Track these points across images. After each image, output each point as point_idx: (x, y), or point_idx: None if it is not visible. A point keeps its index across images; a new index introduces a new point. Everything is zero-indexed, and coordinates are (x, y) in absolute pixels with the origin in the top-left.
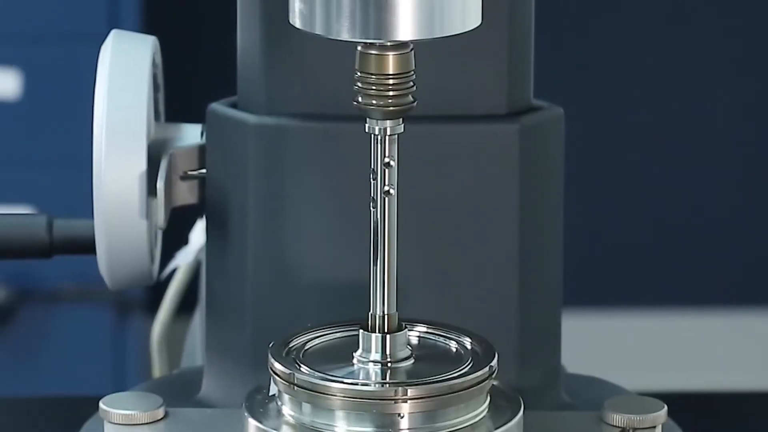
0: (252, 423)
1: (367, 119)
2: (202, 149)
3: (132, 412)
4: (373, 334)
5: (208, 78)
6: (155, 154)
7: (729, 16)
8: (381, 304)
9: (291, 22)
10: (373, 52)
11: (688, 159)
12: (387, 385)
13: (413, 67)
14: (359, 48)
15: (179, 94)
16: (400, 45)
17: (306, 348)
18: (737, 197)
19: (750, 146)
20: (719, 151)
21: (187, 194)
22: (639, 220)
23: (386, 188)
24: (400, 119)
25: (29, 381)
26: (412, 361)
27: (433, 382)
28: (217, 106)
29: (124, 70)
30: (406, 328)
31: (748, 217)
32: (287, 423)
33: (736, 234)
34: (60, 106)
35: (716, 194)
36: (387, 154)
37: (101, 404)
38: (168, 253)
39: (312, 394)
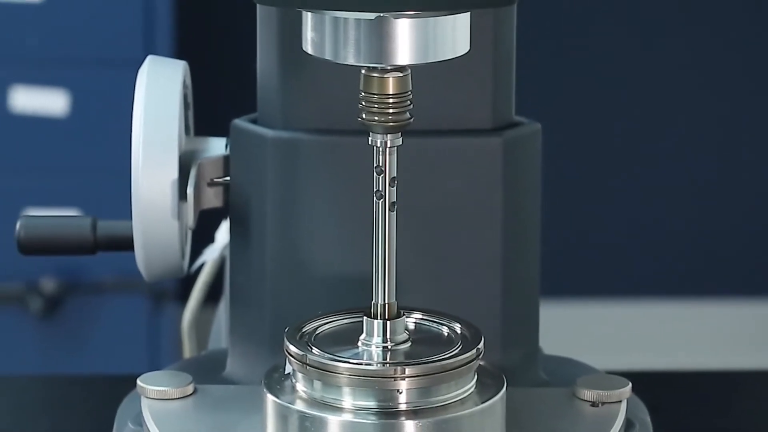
0: (270, 398)
1: (370, 133)
2: (226, 159)
3: (165, 388)
4: (375, 321)
5: (232, 97)
6: (185, 163)
7: (696, 40)
8: (382, 294)
9: (304, 48)
10: (375, 74)
11: (652, 167)
12: (387, 365)
13: (410, 88)
14: (363, 71)
15: (206, 111)
16: (399, 68)
17: (317, 332)
18: (700, 197)
19: (711, 150)
20: (672, 160)
21: (213, 199)
22: (608, 220)
23: (381, 193)
24: (399, 133)
25: (76, 361)
26: (409, 344)
27: (428, 363)
28: (240, 122)
29: (159, 90)
30: (404, 315)
31: (708, 214)
32: (300, 398)
33: (695, 232)
34: (103, 122)
35: (677, 196)
36: (381, 164)
37: (138, 381)
38: (197, 250)
39: (322, 373)
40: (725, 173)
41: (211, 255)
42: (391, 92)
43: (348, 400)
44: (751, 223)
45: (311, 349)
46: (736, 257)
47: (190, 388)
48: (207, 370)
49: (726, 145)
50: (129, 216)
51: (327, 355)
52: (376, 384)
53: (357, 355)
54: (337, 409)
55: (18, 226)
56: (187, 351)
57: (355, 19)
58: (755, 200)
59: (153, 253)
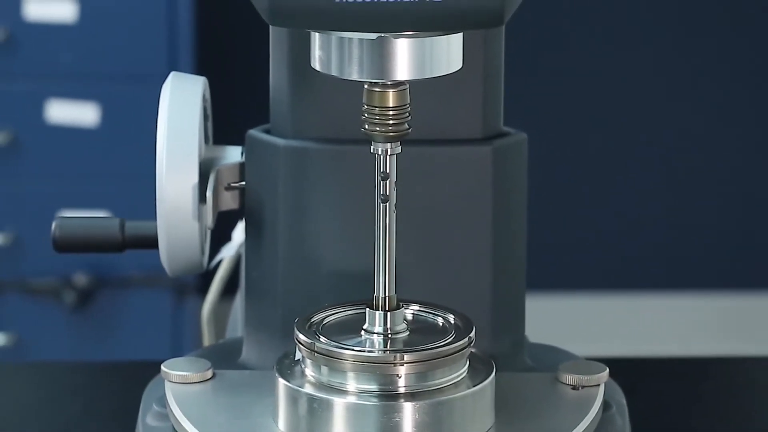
0: (281, 382)
1: (372, 142)
2: (242, 166)
3: (187, 373)
4: (377, 312)
5: (247, 109)
6: (205, 169)
7: (672, 49)
8: (383, 287)
9: (312, 65)
10: (377, 89)
11: (627, 172)
12: (388, 352)
13: (408, 101)
14: (366, 86)
15: (224, 122)
16: (398, 84)
17: (324, 322)
18: (672, 198)
19: (675, 157)
20: (645, 164)
21: (230, 201)
22: (588, 221)
23: (387, 196)
24: (399, 142)
25: (106, 349)
26: (407, 333)
27: (425, 350)
28: (254, 132)
29: (181, 103)
30: (403, 306)
31: (679, 215)
32: (309, 382)
33: (667, 232)
34: (130, 132)
35: (651, 197)
36: (388, 171)
37: (162, 367)
38: (215, 248)
39: (329, 359)
40: (696, 175)
41: (228, 252)
42: (391, 105)
43: (352, 384)
44: (719, 222)
45: (319, 337)
46: (706, 254)
47: (209, 373)
48: (224, 357)
49: (697, 148)
50: (154, 217)
51: (333, 343)
52: (378, 369)
53: (360, 343)
54: (342, 392)
55: (53, 226)
56: (207, 339)
57: (359, 39)
58: (726, 200)
59: (176, 251)
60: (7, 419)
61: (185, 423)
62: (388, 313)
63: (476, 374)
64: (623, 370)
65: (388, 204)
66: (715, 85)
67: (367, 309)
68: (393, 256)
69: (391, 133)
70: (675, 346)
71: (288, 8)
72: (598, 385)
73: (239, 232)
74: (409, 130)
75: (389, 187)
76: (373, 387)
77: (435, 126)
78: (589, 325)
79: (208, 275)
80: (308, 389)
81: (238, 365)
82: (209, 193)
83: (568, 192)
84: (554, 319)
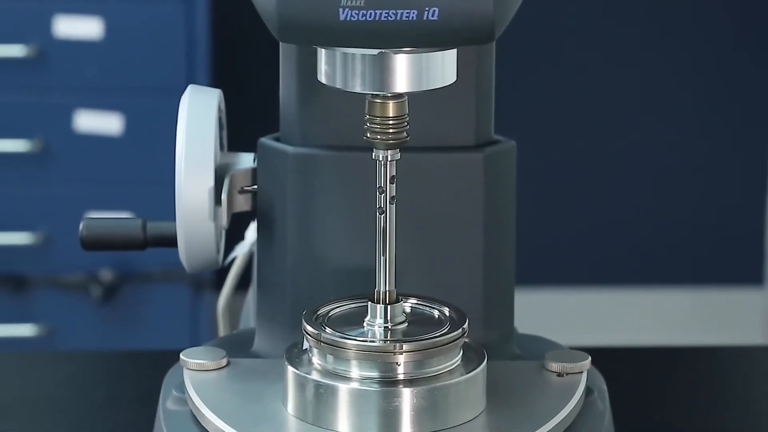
0: (290, 369)
1: (374, 149)
2: (254, 171)
3: (203, 361)
4: (378, 305)
5: (259, 119)
6: (220, 174)
7: (646, 64)
8: (384, 282)
9: (318, 78)
10: (378, 100)
11: (606, 175)
12: (388, 342)
13: (407, 112)
14: (368, 98)
15: (237, 131)
16: (398, 95)
17: (329, 315)
18: (651, 198)
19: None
20: (624, 167)
21: (243, 204)
22: (573, 221)
23: (389, 198)
24: (398, 149)
25: (129, 339)
26: (406, 324)
27: (422, 340)
28: (265, 140)
29: (198, 113)
30: (402, 300)
31: (655, 216)
32: (316, 369)
33: (644, 232)
34: (151, 140)
35: (626, 200)
36: (388, 177)
37: (181, 356)
38: (229, 246)
39: (334, 348)
40: (670, 177)
41: (241, 250)
42: (391, 115)
43: (355, 371)
44: (692, 222)
45: (325, 328)
46: (680, 252)
47: (224, 361)
48: (238, 346)
49: (667, 153)
50: (173, 218)
51: (338, 333)
52: (379, 358)
53: (362, 334)
54: (346, 379)
55: (81, 226)
56: (222, 330)
57: (361, 54)
58: (698, 201)
59: (193, 249)
60: (38, 404)
61: (202, 407)
62: (389, 306)
63: (469, 362)
64: (604, 358)
65: (388, 197)
66: (703, 87)
67: (369, 302)
68: (393, 254)
69: (391, 141)
70: (652, 336)
71: (296, 26)
72: (581, 372)
73: (252, 232)
74: (408, 138)
75: (390, 191)
76: (375, 374)
77: (431, 134)
78: (573, 317)
79: (223, 271)
80: (315, 376)
81: (251, 354)
82: (224, 196)
83: (553, 195)
84: (541, 311)
